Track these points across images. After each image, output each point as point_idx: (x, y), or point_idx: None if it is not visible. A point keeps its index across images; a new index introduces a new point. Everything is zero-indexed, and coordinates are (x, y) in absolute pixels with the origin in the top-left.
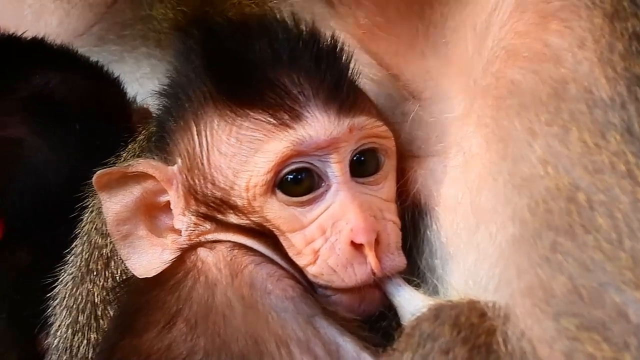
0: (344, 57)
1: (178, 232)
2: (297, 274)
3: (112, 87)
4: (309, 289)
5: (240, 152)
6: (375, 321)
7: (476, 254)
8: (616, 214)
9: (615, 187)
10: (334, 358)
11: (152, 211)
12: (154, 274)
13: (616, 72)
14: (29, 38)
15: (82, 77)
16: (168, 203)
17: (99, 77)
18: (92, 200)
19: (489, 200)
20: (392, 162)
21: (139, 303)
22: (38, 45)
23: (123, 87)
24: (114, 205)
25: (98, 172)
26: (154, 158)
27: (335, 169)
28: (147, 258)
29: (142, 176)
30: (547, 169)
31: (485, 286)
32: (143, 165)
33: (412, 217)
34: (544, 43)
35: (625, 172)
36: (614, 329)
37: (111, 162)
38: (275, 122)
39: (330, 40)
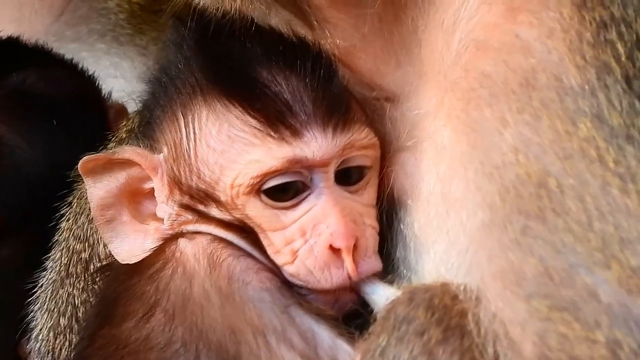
0: (338, 71)
1: (160, 220)
2: (274, 268)
3: (88, 83)
4: (286, 282)
5: (230, 150)
6: (351, 318)
7: (447, 241)
8: (586, 198)
9: (586, 172)
10: (310, 345)
11: (136, 197)
12: (135, 261)
13: (585, 60)
14: (3, 37)
15: (58, 74)
16: (152, 190)
17: (74, 73)
18: (69, 208)
19: (459, 189)
20: (376, 168)
21: (119, 291)
22: (13, 44)
23: (98, 83)
24: (98, 190)
25: (84, 158)
26: (139, 145)
27: (321, 178)
28: (129, 243)
29: (128, 163)
30: (518, 157)
31: (456, 271)
32: (129, 152)
33: (386, 212)
34: (513, 34)
35: (595, 157)
36: (585, 308)
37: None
38: (273, 133)
39: (324, 53)
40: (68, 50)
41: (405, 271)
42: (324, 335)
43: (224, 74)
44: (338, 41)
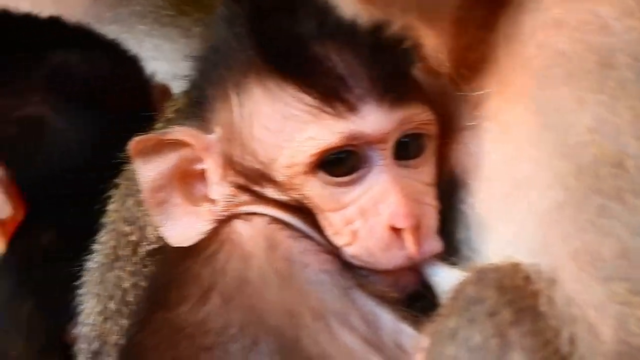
0: (399, 42)
1: (214, 201)
2: (334, 250)
3: (131, 63)
4: (346, 264)
5: (285, 129)
6: (412, 301)
7: (515, 221)
8: None
9: None
10: (372, 329)
11: (187, 179)
12: (188, 244)
13: None
14: (46, 17)
15: (100, 54)
16: (204, 171)
17: (117, 54)
18: (116, 190)
19: (528, 169)
20: (434, 145)
21: (172, 275)
22: (56, 23)
23: (141, 63)
24: (149, 172)
25: (134, 139)
26: (191, 125)
27: (380, 154)
28: (181, 226)
29: (179, 144)
30: (594, 137)
31: (526, 251)
32: (180, 132)
33: (446, 192)
34: (592, 13)
35: None
36: None
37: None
38: (328, 109)
39: (380, 27)
40: (108, 31)
41: (468, 253)
42: (387, 318)
43: (278, 51)
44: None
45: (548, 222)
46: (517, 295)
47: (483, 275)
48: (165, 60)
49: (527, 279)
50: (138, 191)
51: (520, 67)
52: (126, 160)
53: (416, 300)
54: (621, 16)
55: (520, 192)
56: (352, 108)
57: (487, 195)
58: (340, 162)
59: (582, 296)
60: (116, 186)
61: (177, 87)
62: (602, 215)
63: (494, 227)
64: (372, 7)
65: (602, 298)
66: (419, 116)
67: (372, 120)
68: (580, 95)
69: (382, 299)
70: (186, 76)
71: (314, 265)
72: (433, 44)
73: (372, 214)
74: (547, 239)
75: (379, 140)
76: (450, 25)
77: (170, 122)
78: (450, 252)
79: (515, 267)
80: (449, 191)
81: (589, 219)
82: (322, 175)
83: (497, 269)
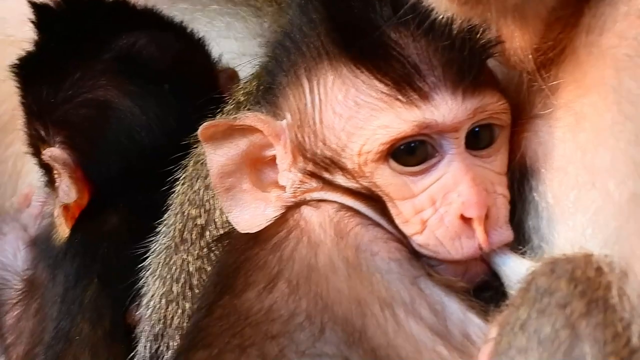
0: (472, 32)
1: (283, 188)
2: (403, 238)
3: (198, 47)
4: (415, 252)
5: (357, 116)
6: (480, 290)
7: (588, 211)
8: None
9: None
10: (439, 318)
11: (257, 165)
12: (256, 230)
13: None
14: (113, 0)
15: (167, 37)
16: (274, 157)
17: (184, 37)
18: (184, 172)
19: (605, 159)
20: (506, 134)
21: (239, 261)
22: (122, 6)
23: (208, 47)
24: (218, 157)
25: (204, 124)
26: (262, 111)
27: (452, 142)
28: (249, 212)
29: (249, 129)
30: None
31: (600, 242)
32: (251, 118)
33: (517, 181)
34: None
35: None
36: None
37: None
38: (401, 97)
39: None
40: (180, 10)
41: (538, 242)
42: (454, 307)
43: (351, 37)
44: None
45: (625, 213)
46: (589, 286)
47: (554, 266)
48: (235, 39)
49: (599, 270)
50: (206, 174)
51: (598, 56)
52: (195, 143)
53: (485, 290)
54: None
55: (596, 182)
56: (425, 96)
57: (560, 184)
58: (412, 151)
59: None
60: (184, 168)
61: (248, 67)
62: None
63: (567, 217)
64: (468, 9)
65: None
66: (492, 106)
67: (445, 109)
68: None
69: (450, 288)
70: (258, 59)
71: (382, 254)
72: (518, 41)
73: (443, 202)
74: (622, 230)
75: (452, 129)
76: (540, 24)
77: (240, 105)
78: (521, 242)
79: (587, 258)
80: (521, 180)
81: None
82: (393, 163)
83: (569, 260)
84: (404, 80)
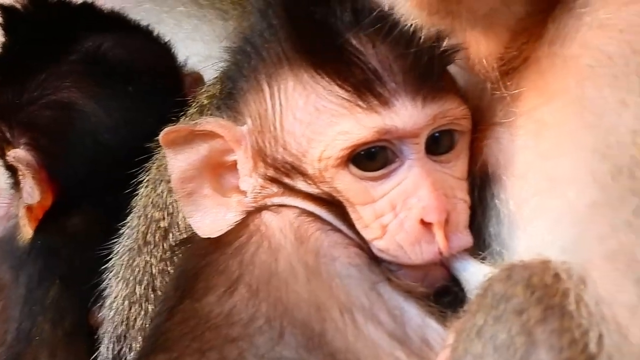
0: (433, 39)
1: (243, 193)
2: (363, 243)
3: (163, 50)
4: (375, 258)
5: (318, 121)
6: (440, 296)
7: (548, 219)
8: None
9: None
10: (398, 323)
11: (218, 170)
12: (217, 235)
13: None
14: (78, 3)
15: (133, 40)
16: (235, 163)
17: (150, 40)
18: (147, 175)
19: (566, 167)
20: (466, 140)
21: (200, 266)
22: (88, 9)
23: (173, 51)
24: (179, 162)
25: (165, 129)
26: (222, 116)
27: (412, 148)
28: (210, 217)
29: (210, 135)
30: (636, 139)
31: (558, 249)
32: (212, 124)
33: (478, 187)
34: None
35: None
36: None
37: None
38: (361, 103)
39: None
40: (146, 10)
41: (498, 248)
42: (413, 313)
43: (312, 43)
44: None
45: (583, 221)
46: (545, 293)
47: (511, 273)
48: (203, 42)
49: (557, 276)
50: (170, 178)
51: (561, 66)
52: (158, 146)
53: (445, 295)
54: None
55: (555, 190)
56: (385, 102)
57: (521, 191)
58: (372, 157)
59: (614, 297)
60: (148, 171)
61: (213, 70)
62: (638, 216)
63: (527, 224)
64: (438, 19)
65: (634, 299)
66: (453, 111)
67: (405, 115)
68: (623, 98)
69: (409, 293)
70: (220, 64)
71: (342, 259)
72: (483, 49)
73: (403, 207)
74: (581, 237)
75: (412, 135)
76: (506, 34)
77: (204, 108)
78: (481, 247)
79: (544, 265)
80: (482, 187)
81: (626, 220)
82: (354, 168)
83: (525, 267)
84: (364, 86)
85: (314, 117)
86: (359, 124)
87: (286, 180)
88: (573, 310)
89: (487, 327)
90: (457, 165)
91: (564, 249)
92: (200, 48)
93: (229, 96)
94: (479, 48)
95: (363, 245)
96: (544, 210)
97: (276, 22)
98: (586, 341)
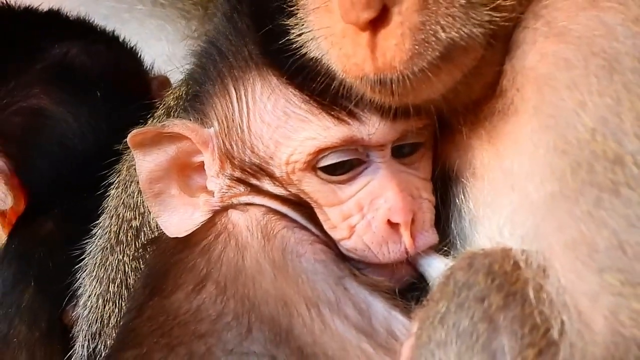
0: None
1: (211, 192)
2: (329, 241)
3: (130, 55)
4: (340, 254)
5: (286, 126)
6: (407, 291)
7: (508, 212)
8: None
9: None
10: (364, 317)
11: (185, 171)
12: (185, 234)
13: None
14: (44, 10)
15: (100, 46)
16: (202, 163)
17: (116, 46)
18: (118, 176)
19: (524, 165)
20: (430, 143)
21: (169, 264)
22: (54, 16)
23: (140, 55)
24: (147, 163)
25: (133, 131)
26: (189, 119)
27: (378, 154)
28: (178, 217)
29: (177, 136)
30: (595, 136)
31: (518, 240)
32: (179, 126)
33: (440, 186)
34: (597, 20)
35: None
36: None
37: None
38: (331, 112)
39: None
40: (108, 8)
41: (461, 243)
42: (379, 306)
43: (282, 50)
44: None
45: (542, 211)
46: (506, 280)
47: (472, 261)
48: (167, 41)
49: (516, 264)
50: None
51: (520, 74)
52: (127, 149)
53: (412, 290)
54: (627, 22)
55: (515, 185)
56: (354, 115)
57: (480, 189)
58: (340, 164)
59: (575, 285)
60: (118, 173)
61: (178, 73)
62: (599, 207)
63: (487, 219)
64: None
65: (596, 288)
66: (418, 124)
67: (373, 130)
68: (582, 100)
69: (374, 287)
70: (186, 65)
71: (308, 255)
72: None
73: (370, 209)
74: (540, 227)
75: (378, 146)
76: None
77: (170, 109)
78: (446, 244)
79: (504, 253)
80: (445, 186)
81: (586, 210)
82: (321, 173)
83: (486, 255)
84: (332, 96)
85: (283, 121)
86: (326, 131)
87: (253, 181)
88: (534, 298)
89: (450, 314)
90: (421, 166)
91: (523, 238)
92: (165, 47)
93: (195, 98)
94: None
95: (329, 242)
96: (503, 205)
97: (242, 25)
98: (548, 326)
